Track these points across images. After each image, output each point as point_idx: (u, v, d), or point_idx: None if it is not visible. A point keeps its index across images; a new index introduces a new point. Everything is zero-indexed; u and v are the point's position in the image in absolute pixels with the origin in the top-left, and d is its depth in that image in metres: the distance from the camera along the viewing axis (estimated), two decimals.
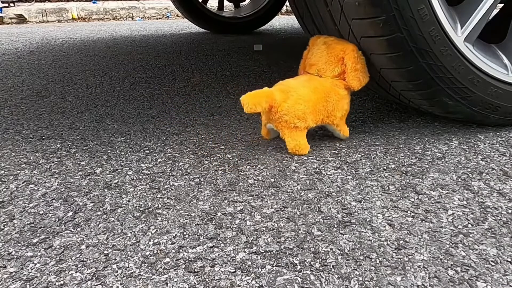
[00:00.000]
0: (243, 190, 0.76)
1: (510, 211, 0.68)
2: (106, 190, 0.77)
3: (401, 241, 0.60)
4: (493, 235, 0.62)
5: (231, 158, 0.89)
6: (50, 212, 0.70)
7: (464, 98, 0.96)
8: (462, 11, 0.93)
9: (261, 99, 0.85)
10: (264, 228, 0.64)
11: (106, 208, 0.71)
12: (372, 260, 0.56)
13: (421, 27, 0.86)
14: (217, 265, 0.56)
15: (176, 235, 0.63)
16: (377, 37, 0.88)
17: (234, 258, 0.57)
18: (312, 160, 0.88)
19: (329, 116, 0.92)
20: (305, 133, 0.90)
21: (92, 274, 0.55)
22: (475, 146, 0.94)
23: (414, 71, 0.91)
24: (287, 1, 3.14)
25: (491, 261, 0.56)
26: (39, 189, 0.78)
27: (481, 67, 0.94)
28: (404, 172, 0.82)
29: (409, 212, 0.68)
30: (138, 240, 0.62)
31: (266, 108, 0.86)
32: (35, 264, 0.57)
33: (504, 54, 1.02)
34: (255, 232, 0.63)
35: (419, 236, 0.61)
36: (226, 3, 3.31)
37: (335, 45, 0.94)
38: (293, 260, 0.56)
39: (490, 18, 0.94)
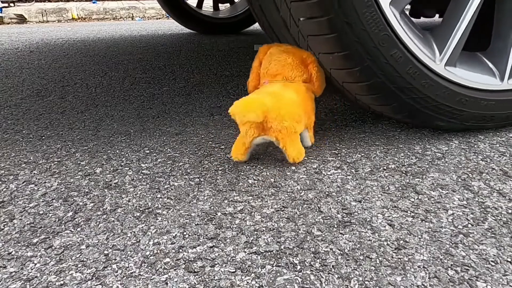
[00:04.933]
0: (243, 190, 0.76)
1: (510, 211, 0.68)
2: (106, 190, 0.77)
3: (401, 241, 0.60)
4: (493, 235, 0.62)
5: (231, 158, 0.89)
6: (50, 212, 0.70)
7: (455, 118, 0.95)
8: (438, 35, 0.92)
9: (255, 106, 0.77)
10: (264, 228, 0.64)
11: (106, 208, 0.71)
12: (372, 260, 0.56)
13: (397, 69, 0.86)
14: (217, 265, 0.56)
15: (176, 235, 0.63)
16: (357, 83, 0.89)
17: (234, 258, 0.57)
18: (312, 160, 0.88)
19: (309, 118, 0.90)
20: None
21: (92, 274, 0.55)
22: (475, 146, 0.94)
23: (399, 106, 0.92)
24: None
25: (491, 261, 0.56)
26: (39, 189, 0.78)
27: (468, 85, 0.92)
28: (404, 172, 0.82)
29: (409, 212, 0.68)
30: (138, 240, 0.62)
31: (261, 117, 0.77)
32: (35, 264, 0.57)
33: (491, 62, 0.98)
34: (255, 232, 0.63)
35: (419, 236, 0.61)
36: (207, 2, 3.28)
37: (297, 52, 0.91)
38: (293, 260, 0.56)
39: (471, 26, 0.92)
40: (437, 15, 1.97)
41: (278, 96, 0.82)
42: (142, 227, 0.65)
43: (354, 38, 0.81)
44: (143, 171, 0.84)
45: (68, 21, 4.85)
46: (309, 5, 0.80)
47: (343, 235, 0.62)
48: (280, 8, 0.89)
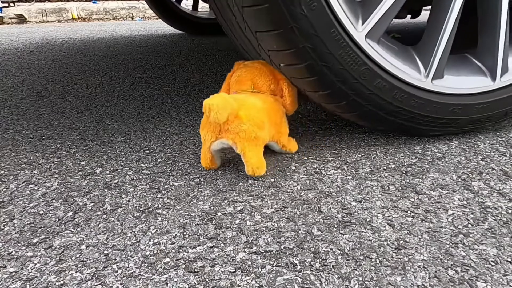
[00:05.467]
0: (243, 190, 0.76)
1: (510, 211, 0.68)
2: (106, 190, 0.77)
3: (401, 241, 0.60)
4: (493, 235, 0.62)
5: (231, 158, 0.89)
6: (50, 212, 0.70)
7: (451, 126, 0.95)
8: (422, 50, 0.89)
9: (228, 104, 0.73)
10: (264, 228, 0.64)
11: (106, 208, 0.71)
12: (372, 260, 0.56)
13: (384, 96, 0.85)
14: (217, 265, 0.56)
15: (176, 235, 0.63)
16: (347, 113, 0.90)
17: (234, 258, 0.57)
18: (312, 160, 0.88)
19: (278, 132, 0.85)
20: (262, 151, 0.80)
21: (92, 274, 0.55)
22: (475, 146, 0.94)
23: (393, 127, 0.94)
24: None
25: (491, 261, 0.56)
26: (39, 189, 0.78)
27: (459, 92, 0.90)
28: (404, 172, 0.82)
29: (409, 212, 0.68)
30: (138, 240, 0.62)
31: (229, 116, 0.73)
32: (35, 264, 0.57)
33: (480, 62, 0.95)
34: (255, 232, 0.63)
35: (419, 236, 0.61)
36: (201, 3, 3.25)
37: (269, 65, 0.90)
38: (293, 260, 0.56)
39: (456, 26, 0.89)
40: (408, 16, 1.94)
41: (240, 100, 0.78)
42: (142, 227, 0.65)
43: (335, 78, 0.81)
44: (143, 171, 0.84)
45: (68, 21, 4.85)
46: (286, 54, 0.80)
47: (343, 235, 0.62)
48: (260, 53, 0.89)
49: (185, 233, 0.63)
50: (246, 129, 0.75)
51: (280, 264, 0.56)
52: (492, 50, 0.92)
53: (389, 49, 0.85)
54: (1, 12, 4.60)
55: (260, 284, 0.52)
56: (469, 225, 0.64)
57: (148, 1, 2.89)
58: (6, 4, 5.06)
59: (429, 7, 0.99)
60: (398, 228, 0.64)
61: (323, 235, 0.62)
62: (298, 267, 0.55)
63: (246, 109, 0.76)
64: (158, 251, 0.59)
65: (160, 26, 3.87)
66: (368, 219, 0.66)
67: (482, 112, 0.94)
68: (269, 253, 0.58)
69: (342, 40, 0.78)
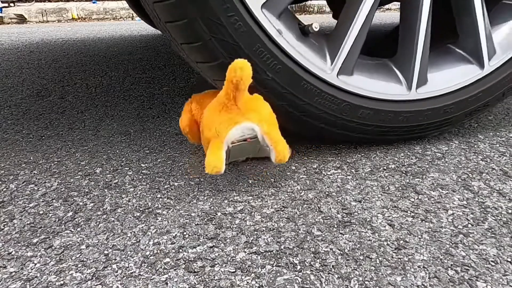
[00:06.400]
0: (243, 190, 0.76)
1: (510, 211, 0.68)
2: (106, 190, 0.77)
3: (401, 241, 0.60)
4: (493, 235, 0.62)
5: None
6: (50, 212, 0.70)
7: (385, 134, 0.90)
8: (331, 41, 0.81)
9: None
10: (264, 228, 0.64)
11: (106, 208, 0.71)
12: (372, 260, 0.56)
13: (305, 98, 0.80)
14: (217, 265, 0.56)
15: (176, 235, 0.63)
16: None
17: (234, 258, 0.57)
18: (312, 160, 0.88)
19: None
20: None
21: (92, 274, 0.55)
22: (475, 146, 0.94)
23: (308, 129, 0.87)
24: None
25: (491, 261, 0.56)
26: (39, 189, 0.78)
27: (376, 97, 0.84)
28: (404, 172, 0.82)
29: (409, 212, 0.68)
30: (138, 240, 0.62)
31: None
32: (35, 264, 0.57)
33: (399, 70, 0.87)
34: (255, 232, 0.63)
35: (419, 236, 0.61)
36: None
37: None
38: (293, 260, 0.56)
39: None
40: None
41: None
42: (142, 227, 0.65)
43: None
44: (143, 171, 0.84)
45: (68, 21, 4.85)
46: (197, 49, 0.75)
47: (343, 235, 0.62)
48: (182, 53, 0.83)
49: (185, 233, 0.63)
50: (269, 111, 0.73)
51: (280, 264, 0.56)
52: (410, 60, 0.86)
53: (302, 42, 0.78)
54: (1, 12, 4.60)
55: (260, 284, 0.52)
56: (469, 225, 0.64)
57: (128, 1, 2.88)
58: (6, 4, 5.06)
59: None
60: (398, 228, 0.64)
61: (323, 235, 0.62)
62: (298, 267, 0.55)
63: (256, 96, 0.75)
64: (158, 251, 0.59)
65: None
66: (368, 219, 0.66)
67: (404, 122, 0.88)
68: (269, 253, 0.58)
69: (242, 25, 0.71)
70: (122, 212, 0.69)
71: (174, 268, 0.55)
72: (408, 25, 0.86)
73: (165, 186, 0.77)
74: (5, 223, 0.67)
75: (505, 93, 0.95)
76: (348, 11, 0.81)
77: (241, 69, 0.65)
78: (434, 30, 0.85)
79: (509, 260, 0.56)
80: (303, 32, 0.80)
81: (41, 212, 0.70)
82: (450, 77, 0.90)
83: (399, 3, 0.93)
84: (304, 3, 5.26)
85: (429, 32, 0.85)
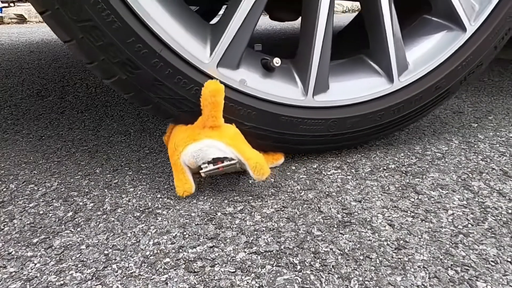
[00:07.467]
0: (243, 190, 0.76)
1: (510, 211, 0.68)
2: (106, 190, 0.77)
3: (401, 241, 0.60)
4: (493, 235, 0.62)
5: None
6: (50, 212, 0.70)
7: (323, 143, 0.86)
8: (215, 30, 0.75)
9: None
10: (264, 228, 0.64)
11: (106, 208, 0.71)
12: (372, 260, 0.56)
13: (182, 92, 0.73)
14: (217, 265, 0.56)
15: (176, 235, 0.63)
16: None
17: (234, 258, 0.57)
18: (312, 160, 0.88)
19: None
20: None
21: (92, 274, 0.55)
22: (475, 146, 0.94)
23: None
24: None
25: (491, 261, 0.56)
26: (39, 189, 0.78)
27: (273, 100, 0.78)
28: (404, 172, 0.82)
29: (409, 212, 0.68)
30: (138, 240, 0.62)
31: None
32: (35, 264, 0.57)
33: (297, 73, 0.81)
34: (255, 232, 0.63)
35: (419, 236, 0.61)
36: None
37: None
38: (293, 260, 0.56)
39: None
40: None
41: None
42: (142, 227, 0.65)
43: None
44: (143, 171, 0.84)
45: None
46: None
47: (343, 235, 0.62)
48: None
49: (185, 233, 0.63)
50: (234, 131, 0.73)
51: (280, 264, 0.56)
52: (307, 62, 0.80)
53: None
54: (1, 12, 4.60)
55: (260, 284, 0.52)
56: (469, 225, 0.64)
57: None
58: (6, 4, 5.07)
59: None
60: (398, 228, 0.64)
61: (323, 235, 0.62)
62: (298, 267, 0.55)
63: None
64: (158, 251, 0.59)
65: None
66: (368, 219, 0.66)
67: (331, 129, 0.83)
68: (269, 253, 0.58)
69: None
70: (122, 212, 0.69)
71: (174, 268, 0.55)
72: (305, 29, 0.80)
73: (165, 186, 0.77)
74: (5, 223, 0.67)
75: (419, 114, 0.87)
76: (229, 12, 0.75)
77: (215, 91, 0.68)
78: (350, 36, 0.79)
79: (509, 260, 0.56)
80: (267, 68, 0.78)
81: (41, 212, 0.70)
82: (357, 88, 0.83)
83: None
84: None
85: (329, 38, 0.79)
